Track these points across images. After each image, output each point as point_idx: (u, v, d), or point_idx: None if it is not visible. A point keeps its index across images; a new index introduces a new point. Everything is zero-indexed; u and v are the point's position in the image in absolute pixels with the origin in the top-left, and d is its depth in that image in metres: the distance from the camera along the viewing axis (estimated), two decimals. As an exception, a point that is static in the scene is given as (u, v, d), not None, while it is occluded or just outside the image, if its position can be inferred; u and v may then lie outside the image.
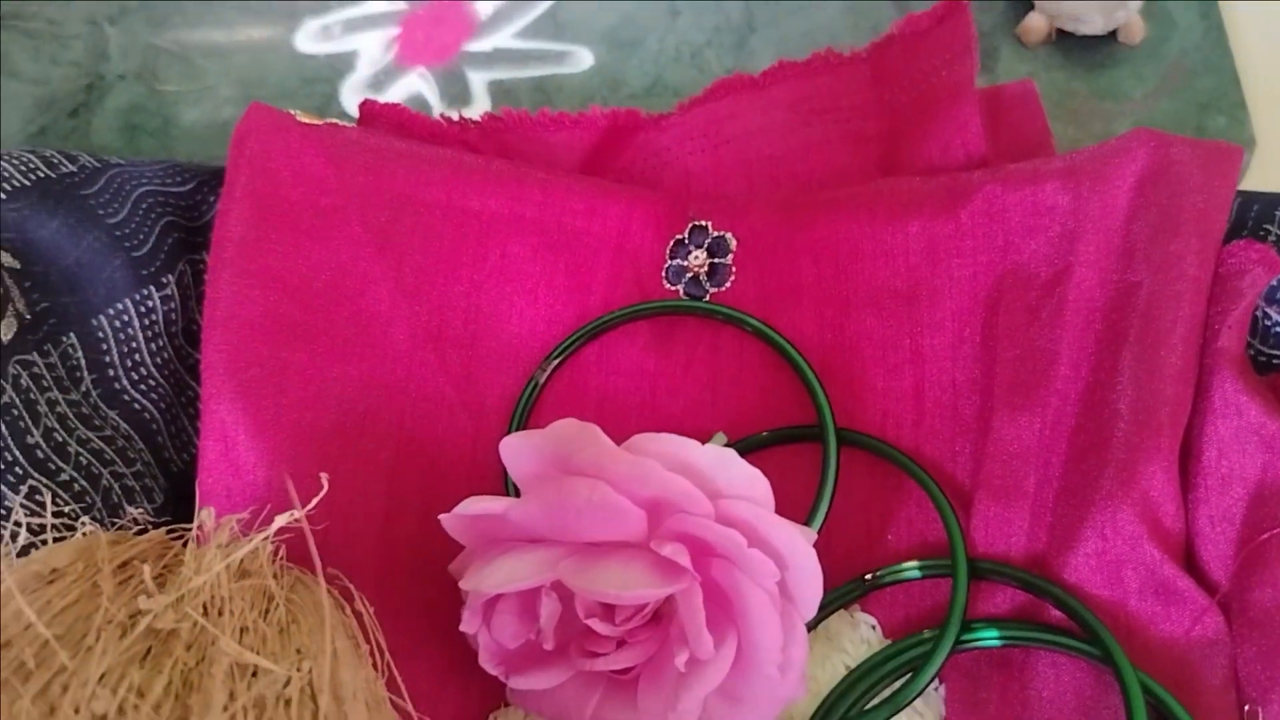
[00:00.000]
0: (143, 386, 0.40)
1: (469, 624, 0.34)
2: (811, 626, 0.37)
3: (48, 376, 0.37)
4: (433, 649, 0.37)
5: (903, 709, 0.34)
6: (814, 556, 0.31)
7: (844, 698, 0.35)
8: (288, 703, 0.26)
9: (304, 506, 0.30)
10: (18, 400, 0.36)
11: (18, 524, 0.31)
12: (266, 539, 0.29)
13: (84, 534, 0.29)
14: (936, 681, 0.36)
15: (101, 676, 0.25)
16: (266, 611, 0.28)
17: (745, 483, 0.31)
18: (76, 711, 0.24)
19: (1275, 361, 0.37)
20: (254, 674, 0.26)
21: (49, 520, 0.31)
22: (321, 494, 0.30)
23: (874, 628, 0.37)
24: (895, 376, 0.38)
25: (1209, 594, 0.33)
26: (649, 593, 0.31)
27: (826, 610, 0.37)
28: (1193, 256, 0.35)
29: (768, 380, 0.40)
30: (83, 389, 0.38)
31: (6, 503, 0.33)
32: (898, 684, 0.34)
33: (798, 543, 0.31)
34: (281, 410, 0.38)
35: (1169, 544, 0.33)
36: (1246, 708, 0.31)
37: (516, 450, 0.33)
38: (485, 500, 0.32)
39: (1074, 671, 0.34)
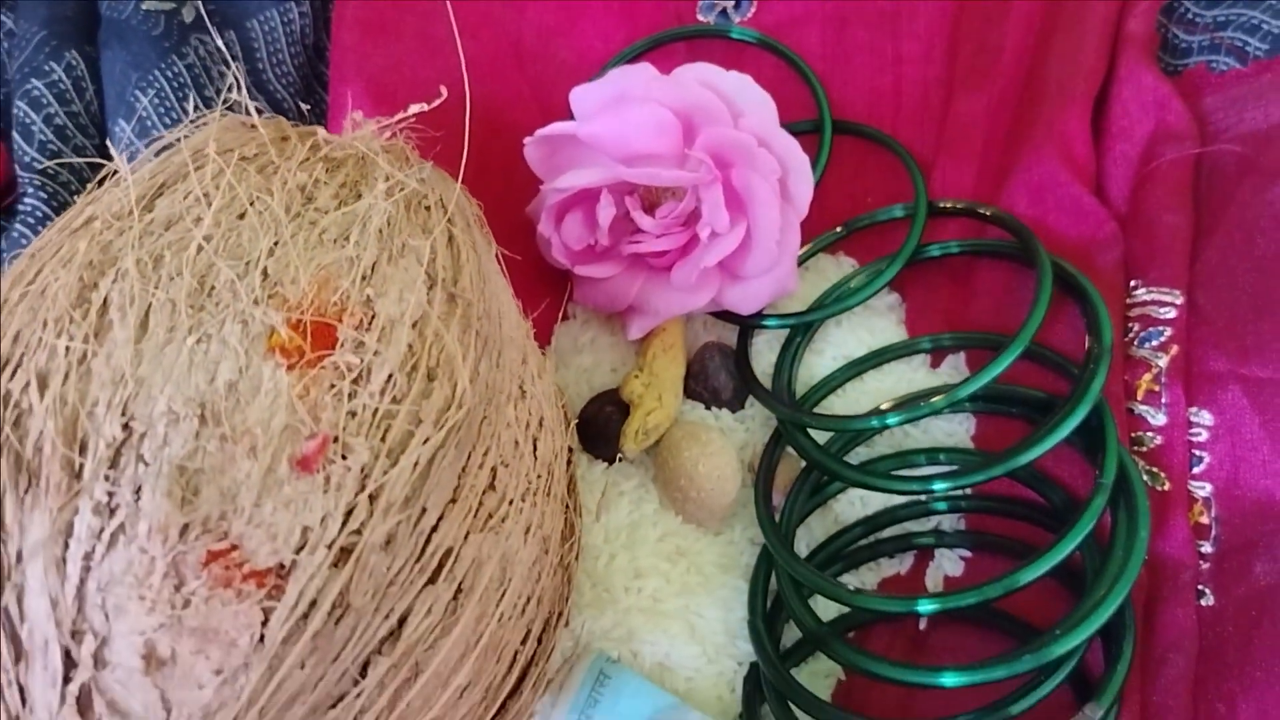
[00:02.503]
0: (283, 80, 0.50)
1: (545, 227, 0.44)
2: (801, 262, 0.47)
3: (214, 55, 0.48)
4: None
5: (865, 300, 0.44)
6: (807, 163, 0.42)
7: (825, 296, 0.45)
8: (428, 207, 0.36)
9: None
10: (198, 62, 0.46)
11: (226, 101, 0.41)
12: (408, 117, 0.39)
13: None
14: (899, 297, 0.46)
15: (296, 173, 0.36)
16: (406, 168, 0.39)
17: (758, 103, 0.42)
18: (285, 183, 0.35)
19: (1180, 68, 0.47)
20: (401, 189, 0.37)
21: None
22: (440, 100, 0.40)
23: (853, 266, 0.47)
24: (879, 78, 0.49)
25: (1109, 210, 0.43)
26: (682, 176, 0.41)
27: (814, 251, 0.47)
28: (1113, -35, 0.45)
29: (779, 85, 0.50)
30: (241, 73, 0.49)
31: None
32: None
33: (796, 151, 0.42)
34: (396, 89, 0.48)
35: (1080, 174, 0.43)
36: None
37: (583, 94, 0.43)
38: (559, 124, 0.43)
39: (1005, 272, 0.44)
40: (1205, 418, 0.38)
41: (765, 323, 0.44)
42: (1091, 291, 0.39)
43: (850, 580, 0.41)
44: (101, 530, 0.27)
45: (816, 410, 0.44)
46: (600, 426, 0.43)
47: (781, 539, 0.39)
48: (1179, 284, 0.40)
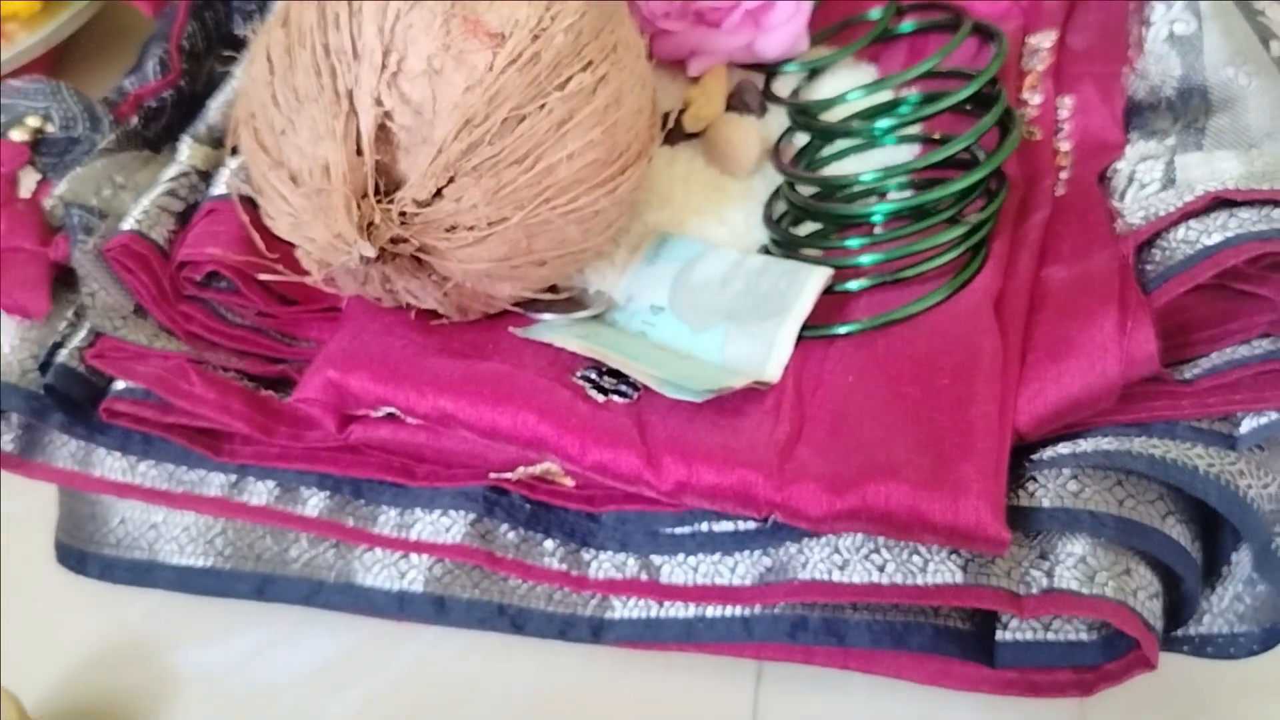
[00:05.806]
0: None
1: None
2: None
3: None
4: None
5: (851, 53, 0.65)
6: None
7: (827, 59, 0.66)
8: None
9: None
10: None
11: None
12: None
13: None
14: (875, 67, 0.67)
15: None
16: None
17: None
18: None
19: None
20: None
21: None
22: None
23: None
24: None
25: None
26: (735, -46, 0.63)
27: (817, 41, 0.68)
28: None
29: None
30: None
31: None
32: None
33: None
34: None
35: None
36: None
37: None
38: (652, -71, 0.65)
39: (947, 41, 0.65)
40: (1067, 102, 0.59)
41: (784, 68, 0.66)
42: (996, 30, 0.60)
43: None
44: (406, -1, 0.47)
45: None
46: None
47: (787, 169, 0.59)
48: (1055, 27, 0.61)
